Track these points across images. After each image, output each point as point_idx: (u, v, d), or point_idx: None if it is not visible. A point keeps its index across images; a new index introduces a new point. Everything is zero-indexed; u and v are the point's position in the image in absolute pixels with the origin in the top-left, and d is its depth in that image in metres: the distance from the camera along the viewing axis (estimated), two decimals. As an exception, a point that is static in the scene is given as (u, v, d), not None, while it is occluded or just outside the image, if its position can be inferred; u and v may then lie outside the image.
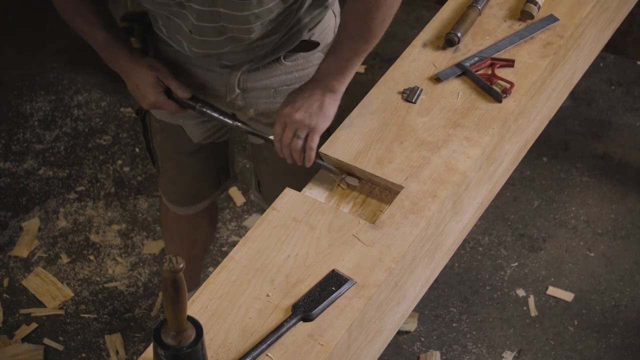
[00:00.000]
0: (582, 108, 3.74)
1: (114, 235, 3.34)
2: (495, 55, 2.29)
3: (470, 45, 2.32)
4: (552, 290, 3.20)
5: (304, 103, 2.07)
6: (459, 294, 3.19)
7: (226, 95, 2.25)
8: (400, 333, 3.08)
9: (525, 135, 2.39)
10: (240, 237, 3.27)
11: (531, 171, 3.53)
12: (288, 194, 2.05)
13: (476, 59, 2.28)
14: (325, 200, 2.08)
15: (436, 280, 2.70)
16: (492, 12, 2.40)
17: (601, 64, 3.88)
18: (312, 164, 2.10)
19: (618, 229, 3.36)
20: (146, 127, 2.48)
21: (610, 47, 3.24)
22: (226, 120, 2.20)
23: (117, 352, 3.04)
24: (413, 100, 2.21)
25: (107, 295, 3.18)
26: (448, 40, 2.31)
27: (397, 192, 2.05)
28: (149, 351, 1.75)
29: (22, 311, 3.14)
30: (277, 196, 2.14)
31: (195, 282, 2.94)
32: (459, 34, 2.30)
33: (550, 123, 2.61)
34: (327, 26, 2.24)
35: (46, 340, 3.07)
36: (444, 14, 2.39)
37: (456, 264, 3.26)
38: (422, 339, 3.08)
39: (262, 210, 3.05)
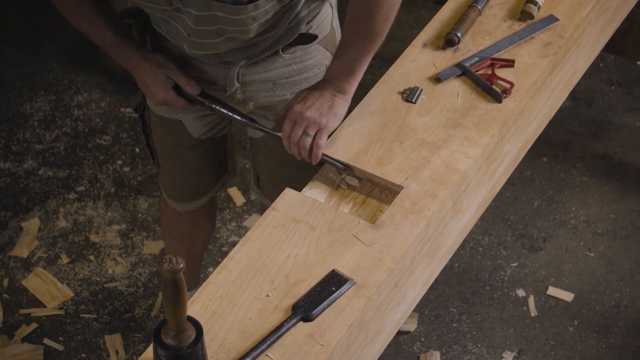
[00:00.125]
0: (582, 108, 3.74)
1: (114, 236, 3.34)
2: (495, 56, 2.29)
3: (470, 46, 2.32)
4: (552, 291, 3.20)
5: (315, 102, 2.08)
6: (459, 294, 3.19)
7: (226, 89, 2.25)
8: (400, 333, 3.08)
9: (525, 136, 2.39)
10: (240, 237, 3.27)
11: (531, 171, 3.53)
12: (288, 194, 2.05)
13: (476, 59, 2.28)
14: (325, 201, 2.08)
15: (436, 281, 2.69)
16: (492, 12, 2.40)
17: (601, 64, 3.88)
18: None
19: (618, 229, 3.36)
20: (145, 123, 2.48)
21: (610, 47, 3.24)
22: (235, 116, 2.20)
23: (117, 352, 3.04)
24: (413, 101, 2.21)
25: (107, 296, 3.18)
26: (448, 41, 2.31)
27: (397, 192, 2.05)
28: (149, 351, 1.75)
29: (22, 311, 3.14)
30: (275, 189, 2.15)
31: (195, 281, 2.94)
32: (459, 34, 2.30)
33: (550, 123, 2.61)
34: (325, 18, 2.24)
35: (46, 341, 3.07)
36: (443, 14, 2.39)
37: (456, 264, 3.26)
38: (422, 339, 3.08)
39: (262, 211, 3.05)
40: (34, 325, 3.10)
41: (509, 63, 2.28)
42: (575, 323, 3.12)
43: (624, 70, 3.87)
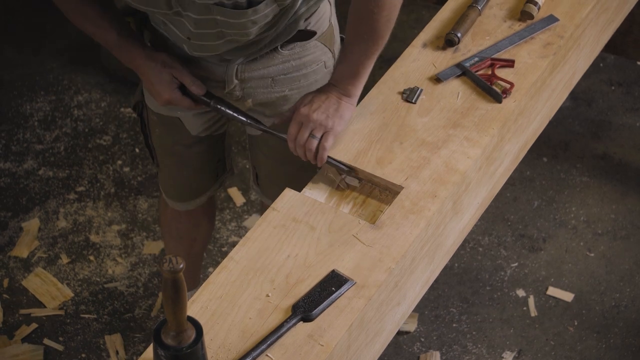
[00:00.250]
0: (582, 108, 3.74)
1: (114, 236, 3.34)
2: (495, 56, 2.29)
3: (470, 46, 2.32)
4: (552, 291, 3.20)
5: (321, 105, 2.09)
6: (459, 294, 3.19)
7: (224, 86, 2.26)
8: (400, 333, 3.08)
9: (525, 136, 2.39)
10: (240, 237, 3.27)
11: (531, 171, 3.53)
12: (288, 194, 2.05)
13: (476, 59, 2.28)
14: (325, 201, 2.08)
15: (436, 281, 2.70)
16: (492, 12, 2.40)
17: (601, 64, 3.88)
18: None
19: (618, 229, 3.36)
20: (144, 121, 2.48)
21: (610, 47, 3.24)
22: (240, 117, 2.21)
23: (117, 353, 3.04)
24: (413, 101, 2.21)
25: (107, 296, 3.18)
26: (448, 41, 2.31)
27: (397, 193, 2.05)
28: (149, 351, 1.75)
29: (22, 311, 3.14)
30: (274, 187, 2.15)
31: (195, 281, 2.94)
32: (459, 34, 2.30)
33: (550, 123, 2.61)
34: (323, 14, 2.25)
35: (46, 341, 3.07)
36: (443, 14, 2.39)
37: (456, 264, 3.26)
38: (422, 339, 3.08)
39: (262, 211, 3.05)
40: (34, 326, 3.10)
41: (509, 63, 2.28)
42: (575, 323, 3.12)
43: (624, 70, 3.87)
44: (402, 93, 2.23)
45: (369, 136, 2.14)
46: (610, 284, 3.22)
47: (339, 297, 1.87)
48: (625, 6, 2.72)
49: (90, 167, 3.55)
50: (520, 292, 3.20)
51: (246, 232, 2.74)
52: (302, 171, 2.24)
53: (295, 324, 1.82)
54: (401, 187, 2.05)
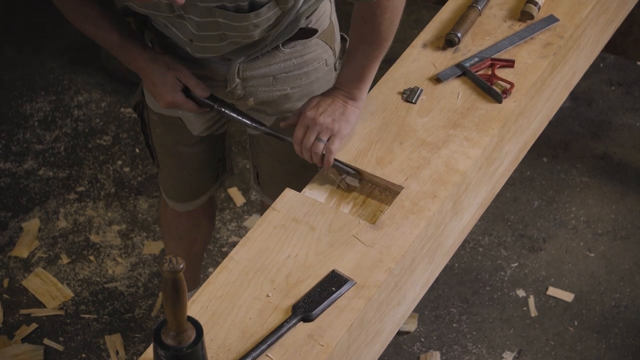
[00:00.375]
0: (582, 108, 3.74)
1: (114, 236, 3.34)
2: (495, 56, 2.29)
3: (470, 46, 2.32)
4: (552, 291, 3.20)
5: (327, 108, 2.10)
6: (459, 294, 3.19)
7: (226, 85, 2.25)
8: (400, 333, 3.08)
9: (525, 136, 2.39)
10: (240, 237, 3.27)
11: (531, 171, 3.53)
12: (288, 194, 2.05)
13: (476, 59, 2.28)
14: (325, 201, 2.08)
15: (436, 281, 2.69)
16: (492, 12, 2.40)
17: (601, 65, 3.88)
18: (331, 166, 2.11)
19: (618, 229, 3.36)
20: (144, 122, 2.48)
21: (610, 47, 3.24)
22: (245, 120, 2.21)
23: (117, 353, 3.04)
24: (413, 101, 2.21)
25: (107, 296, 3.18)
26: (448, 41, 2.31)
27: (397, 193, 2.05)
28: (149, 351, 1.75)
29: (22, 311, 3.14)
30: (275, 186, 2.15)
31: (195, 281, 2.94)
32: (459, 35, 2.30)
33: (550, 123, 2.62)
34: (324, 12, 2.25)
35: (46, 341, 3.07)
36: (444, 15, 2.39)
37: (456, 265, 3.26)
38: (422, 340, 3.08)
39: (262, 211, 3.05)
40: (34, 326, 3.10)
41: (509, 63, 2.28)
42: (576, 323, 3.12)
43: (624, 70, 3.87)
44: (402, 93, 2.23)
45: (369, 136, 2.14)
46: (610, 284, 3.22)
47: (339, 297, 1.87)
48: (625, 6, 2.72)
49: (90, 167, 3.55)
50: (521, 292, 3.20)
51: (246, 232, 2.74)
52: (303, 170, 2.24)
53: (295, 324, 1.82)
54: (401, 187, 2.05)
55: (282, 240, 1.96)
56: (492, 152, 2.20)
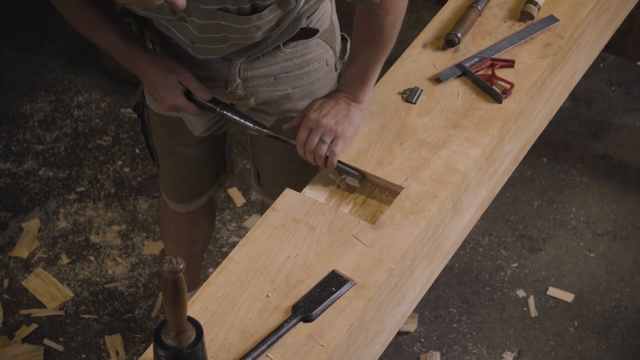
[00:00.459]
0: (582, 108, 3.74)
1: (114, 236, 3.34)
2: (495, 56, 2.29)
3: (470, 46, 2.32)
4: (552, 291, 3.20)
5: (330, 110, 2.10)
6: (459, 294, 3.19)
7: (227, 85, 2.25)
8: (400, 334, 3.08)
9: (525, 136, 2.39)
10: (240, 237, 3.27)
11: (531, 172, 3.53)
12: (288, 194, 2.05)
13: (476, 59, 2.28)
14: (325, 201, 2.08)
15: (436, 281, 2.69)
16: (492, 12, 2.40)
17: (601, 65, 3.88)
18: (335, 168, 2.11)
19: (618, 229, 3.36)
20: (145, 122, 2.48)
21: (610, 47, 3.24)
22: (247, 123, 2.21)
23: (117, 353, 3.04)
24: (413, 101, 2.21)
25: (107, 296, 3.18)
26: (448, 41, 2.31)
27: (397, 193, 2.05)
28: (149, 352, 1.75)
29: (22, 312, 3.14)
30: (276, 186, 2.15)
31: (195, 282, 2.94)
32: (459, 35, 2.30)
33: (550, 123, 2.62)
34: (325, 12, 2.25)
35: (46, 341, 3.07)
36: (443, 15, 2.39)
37: (456, 265, 3.26)
38: (422, 340, 3.08)
39: (262, 211, 3.05)
40: (34, 326, 3.10)
41: (509, 63, 2.28)
42: (576, 323, 3.12)
43: (624, 70, 3.87)
44: (402, 93, 2.23)
45: (369, 136, 2.14)
46: (610, 285, 3.22)
47: (339, 297, 1.87)
48: (625, 6, 2.72)
49: (90, 168, 3.55)
50: (521, 293, 3.20)
51: (246, 232, 2.74)
52: (304, 170, 2.24)
53: (295, 324, 1.82)
54: (401, 188, 2.05)
55: (282, 241, 1.96)
56: (492, 152, 2.20)
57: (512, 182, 3.49)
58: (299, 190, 2.08)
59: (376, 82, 2.25)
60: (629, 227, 3.37)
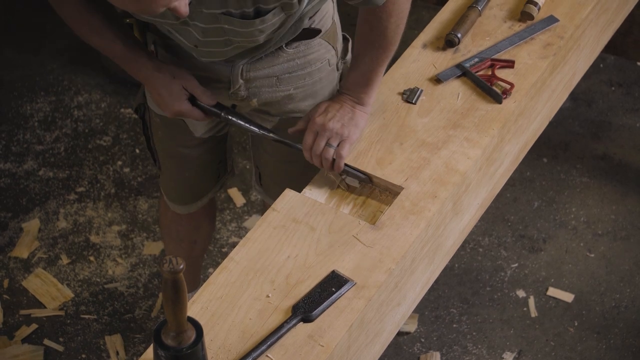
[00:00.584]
0: (582, 109, 3.74)
1: (114, 236, 3.34)
2: (496, 56, 2.29)
3: (470, 46, 2.32)
4: (552, 291, 3.20)
5: (336, 114, 2.10)
6: (459, 294, 3.19)
7: (229, 87, 2.25)
8: (400, 334, 3.08)
9: (525, 136, 2.39)
10: (240, 238, 3.27)
11: (531, 172, 3.53)
12: (288, 194, 2.05)
13: (476, 59, 2.28)
14: (325, 201, 2.08)
15: (436, 281, 2.69)
16: (492, 13, 2.40)
17: (601, 65, 3.88)
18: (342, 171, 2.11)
19: (618, 229, 3.36)
20: (146, 124, 2.48)
21: (610, 48, 3.24)
22: (253, 128, 2.20)
23: (117, 353, 3.04)
24: (413, 101, 2.21)
25: (107, 296, 3.18)
26: (448, 41, 2.31)
27: (397, 193, 2.05)
28: (149, 352, 1.75)
29: (22, 312, 3.14)
30: (278, 187, 2.15)
31: (195, 283, 2.94)
32: (459, 35, 2.30)
33: (550, 124, 2.61)
34: (327, 12, 2.25)
35: (46, 341, 3.07)
36: (443, 15, 2.39)
37: (456, 265, 3.26)
38: (422, 340, 3.08)
39: (262, 211, 3.05)
40: (34, 326, 3.10)
41: (509, 64, 2.28)
42: (576, 324, 3.12)
43: (624, 71, 3.87)
44: (402, 94, 2.23)
45: (369, 137, 2.14)
46: (610, 285, 3.22)
47: (339, 297, 1.87)
48: (625, 7, 2.72)
49: (90, 168, 3.55)
50: (521, 293, 3.20)
51: (246, 232, 2.74)
52: (305, 170, 2.23)
53: (295, 324, 1.82)
54: (401, 188, 2.05)
55: (282, 241, 1.96)
56: (492, 153, 2.20)
57: (512, 183, 3.49)
58: (301, 190, 2.08)
59: (376, 83, 2.25)
60: (629, 228, 3.37)
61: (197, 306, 1.85)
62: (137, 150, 3.60)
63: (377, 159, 2.10)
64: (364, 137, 2.14)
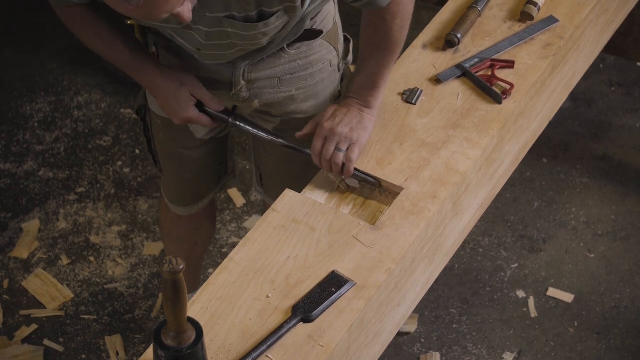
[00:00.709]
0: (582, 109, 3.74)
1: (114, 237, 3.34)
2: (495, 57, 2.29)
3: (470, 47, 2.32)
4: (552, 292, 3.20)
5: (344, 118, 2.10)
6: (459, 295, 3.19)
7: (231, 88, 2.25)
8: (400, 334, 3.08)
9: (525, 137, 2.39)
10: (240, 238, 3.27)
11: (531, 172, 3.53)
12: (288, 195, 2.05)
13: (476, 60, 2.28)
14: (325, 202, 2.08)
15: (436, 282, 2.69)
16: (492, 13, 2.40)
17: (601, 65, 3.88)
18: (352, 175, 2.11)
19: (618, 230, 3.36)
20: (147, 126, 2.48)
21: (610, 48, 3.24)
22: (261, 133, 2.21)
23: (117, 354, 3.04)
24: (413, 102, 2.21)
25: (107, 297, 3.18)
26: (448, 42, 2.31)
27: (397, 193, 2.05)
28: (149, 352, 1.75)
29: (22, 312, 3.14)
30: (278, 187, 2.15)
31: (195, 284, 2.94)
32: (459, 35, 2.30)
33: (550, 124, 2.61)
34: (328, 13, 2.25)
35: (46, 342, 3.07)
36: (443, 15, 2.39)
37: (456, 265, 3.26)
38: (422, 340, 3.08)
39: (262, 212, 3.05)
40: (34, 327, 3.10)
41: (509, 64, 2.28)
42: (576, 324, 3.12)
43: (624, 71, 3.87)
44: (402, 94, 2.23)
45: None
46: (610, 285, 3.22)
47: (339, 298, 1.87)
48: (626, 7, 2.72)
49: (90, 168, 3.55)
50: (521, 293, 3.20)
51: (246, 233, 2.74)
52: (307, 170, 2.23)
53: (295, 324, 1.82)
54: (401, 188, 2.05)
55: (282, 241, 1.96)
56: (492, 153, 2.20)
57: (512, 183, 3.49)
58: (302, 190, 2.08)
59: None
60: (629, 228, 3.37)
61: (197, 306, 1.85)
62: (137, 151, 3.60)
63: (377, 159, 2.10)
64: (364, 138, 2.14)
